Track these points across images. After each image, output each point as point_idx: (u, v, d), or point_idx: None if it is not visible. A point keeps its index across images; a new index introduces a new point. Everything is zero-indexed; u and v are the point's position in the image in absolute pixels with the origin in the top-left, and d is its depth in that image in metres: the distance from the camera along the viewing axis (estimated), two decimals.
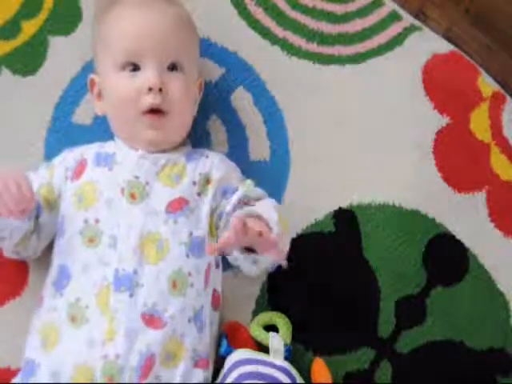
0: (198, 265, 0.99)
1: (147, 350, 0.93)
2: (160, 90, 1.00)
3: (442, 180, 1.17)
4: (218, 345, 1.02)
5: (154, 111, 1.01)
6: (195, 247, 0.99)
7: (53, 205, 1.02)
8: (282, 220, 0.96)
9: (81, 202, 1.00)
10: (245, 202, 1.03)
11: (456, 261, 1.15)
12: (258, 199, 1.04)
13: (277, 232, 0.92)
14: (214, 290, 1.02)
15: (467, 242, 1.15)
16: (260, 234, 0.89)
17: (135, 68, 1.01)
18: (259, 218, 0.94)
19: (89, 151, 1.05)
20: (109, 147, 1.05)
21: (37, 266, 1.07)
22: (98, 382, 0.91)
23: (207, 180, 1.03)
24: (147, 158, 1.02)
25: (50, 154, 1.11)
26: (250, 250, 0.95)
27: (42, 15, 1.17)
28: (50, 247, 1.03)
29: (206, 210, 1.02)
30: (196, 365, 0.96)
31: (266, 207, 0.98)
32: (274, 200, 1.03)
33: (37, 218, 1.00)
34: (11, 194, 0.89)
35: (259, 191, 1.06)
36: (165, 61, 1.01)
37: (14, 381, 0.97)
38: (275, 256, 0.92)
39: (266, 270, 1.04)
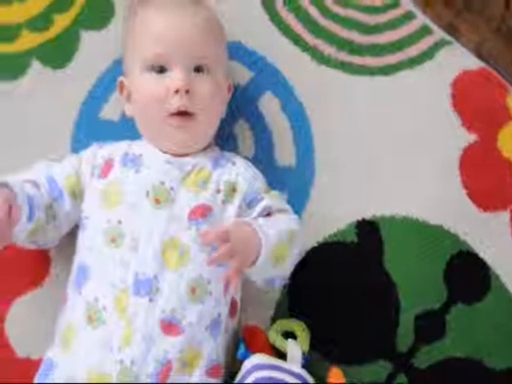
0: (218, 273, 0.98)
1: (164, 357, 0.93)
2: (187, 91, 0.99)
3: (466, 197, 1.16)
4: (236, 348, 1.02)
5: (181, 113, 1.01)
6: None
7: (77, 195, 1.02)
8: (279, 245, 0.96)
9: (105, 202, 1.00)
10: (268, 212, 1.02)
11: (478, 279, 1.14)
12: (281, 211, 1.03)
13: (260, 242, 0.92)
14: (233, 298, 1.02)
15: (490, 261, 1.14)
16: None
17: (162, 69, 1.01)
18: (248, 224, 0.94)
19: (117, 151, 1.04)
20: (137, 148, 1.05)
21: (59, 257, 1.08)
22: None
23: (233, 188, 1.03)
24: (173, 163, 1.02)
25: (77, 147, 1.11)
26: None
27: (75, 9, 1.18)
28: (73, 238, 1.04)
29: (231, 219, 1.01)
30: (209, 372, 0.96)
31: (270, 225, 0.97)
32: (294, 218, 1.03)
33: (51, 208, 0.99)
34: None
35: (284, 204, 1.05)
36: (192, 63, 1.01)
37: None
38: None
39: (269, 287, 1.04)
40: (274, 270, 0.98)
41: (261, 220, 0.98)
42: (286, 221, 1.01)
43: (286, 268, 1.01)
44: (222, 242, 0.89)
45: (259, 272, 0.96)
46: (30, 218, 0.94)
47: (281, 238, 0.97)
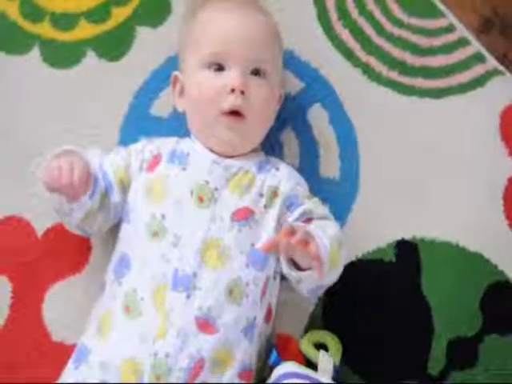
0: (256, 277, 0.98)
1: (197, 354, 0.93)
2: (242, 92, 1.00)
3: (508, 227, 1.16)
4: (268, 354, 1.02)
5: (234, 113, 1.01)
6: (256, 259, 0.99)
7: (126, 188, 1.03)
8: (332, 252, 0.96)
9: (150, 196, 1.01)
10: (308, 218, 1.02)
11: None
12: (322, 218, 1.03)
13: (323, 254, 0.93)
14: (269, 303, 1.02)
15: None
16: (305, 243, 0.91)
17: (220, 68, 1.02)
18: (309, 235, 0.93)
19: (165, 146, 1.05)
20: (184, 145, 1.06)
21: (99, 245, 1.09)
22: (146, 379, 0.92)
23: (275, 193, 1.03)
24: (220, 164, 1.02)
25: (124, 140, 1.12)
26: (296, 265, 0.96)
27: (133, 4, 1.19)
28: (114, 228, 1.05)
29: (272, 223, 1.01)
30: (240, 375, 0.96)
31: (322, 232, 0.97)
32: (337, 225, 1.03)
33: (105, 197, 1.01)
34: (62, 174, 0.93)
35: (325, 211, 1.05)
36: (250, 65, 1.02)
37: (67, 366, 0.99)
38: (316, 273, 0.92)
39: (311, 296, 1.03)
40: (328, 275, 0.98)
41: (312, 226, 0.98)
42: (331, 226, 1.01)
43: (339, 270, 1.00)
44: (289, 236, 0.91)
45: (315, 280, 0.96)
46: (91, 196, 0.97)
47: (332, 243, 0.97)
